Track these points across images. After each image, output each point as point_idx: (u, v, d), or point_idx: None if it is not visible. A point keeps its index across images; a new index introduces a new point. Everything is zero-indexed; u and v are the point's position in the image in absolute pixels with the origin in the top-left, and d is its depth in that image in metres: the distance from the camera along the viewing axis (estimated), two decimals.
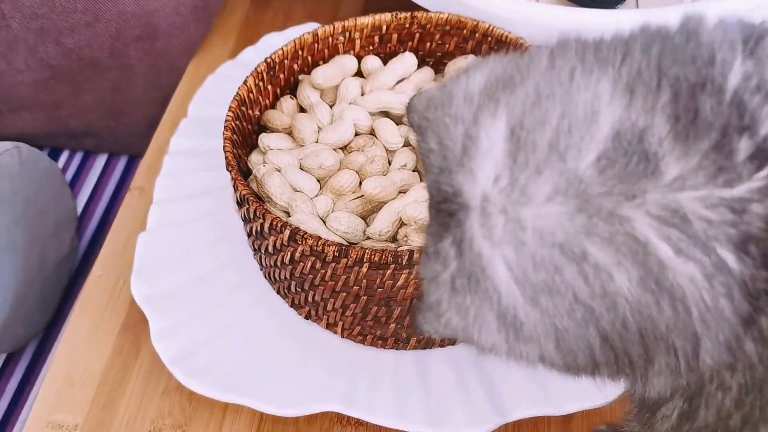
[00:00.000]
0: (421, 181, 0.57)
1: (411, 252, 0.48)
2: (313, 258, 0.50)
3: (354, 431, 0.55)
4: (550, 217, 0.29)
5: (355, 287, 0.51)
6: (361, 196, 0.56)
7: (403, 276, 0.49)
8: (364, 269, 0.49)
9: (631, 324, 0.30)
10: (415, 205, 0.53)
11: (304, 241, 0.49)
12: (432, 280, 0.33)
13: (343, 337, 0.56)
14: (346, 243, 0.50)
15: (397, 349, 0.55)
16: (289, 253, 0.51)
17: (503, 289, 0.31)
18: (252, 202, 0.51)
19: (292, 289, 0.55)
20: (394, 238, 0.54)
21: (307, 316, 0.57)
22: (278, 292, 0.58)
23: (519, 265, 0.30)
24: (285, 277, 0.54)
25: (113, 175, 0.88)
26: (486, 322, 0.32)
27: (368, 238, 0.55)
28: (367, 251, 0.48)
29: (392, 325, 0.53)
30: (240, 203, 0.54)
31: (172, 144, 0.68)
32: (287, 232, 0.49)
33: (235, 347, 0.55)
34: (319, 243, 0.48)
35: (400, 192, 0.56)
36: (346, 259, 0.49)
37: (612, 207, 0.28)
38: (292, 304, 0.57)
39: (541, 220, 0.29)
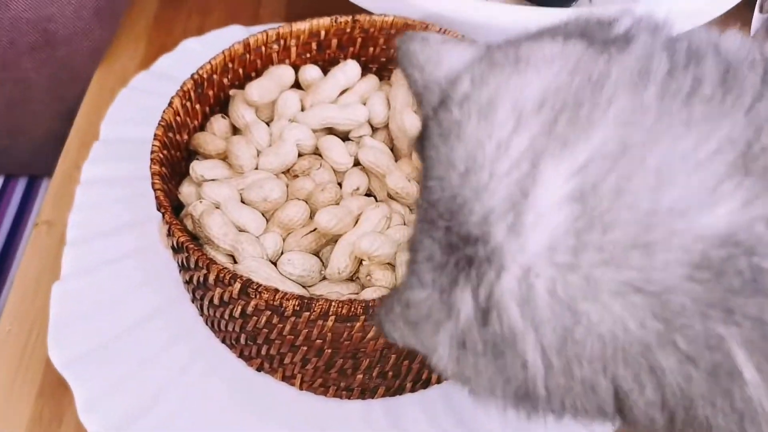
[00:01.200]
0: (377, 201, 0.51)
1: None
2: (269, 312, 0.43)
3: None
4: (613, 314, 0.23)
5: (318, 341, 0.44)
6: (314, 230, 0.49)
7: (374, 328, 0.43)
8: (330, 323, 0.42)
9: (676, 417, 0.25)
10: (371, 238, 0.47)
11: (258, 295, 0.42)
12: (425, 316, 0.27)
13: (301, 389, 0.49)
14: (307, 294, 0.44)
15: (363, 399, 0.49)
16: (239, 307, 0.44)
17: (530, 371, 0.26)
18: (193, 250, 0.44)
19: (242, 341, 0.48)
20: (353, 277, 0.48)
21: (259, 368, 0.50)
22: (223, 341, 0.51)
23: (560, 357, 0.25)
24: (233, 329, 0.48)
25: (12, 201, 0.78)
26: (494, 384, 0.27)
27: (325, 278, 0.48)
28: (333, 303, 0.41)
29: (359, 376, 0.47)
30: (177, 250, 0.46)
31: (85, 172, 0.60)
32: (237, 285, 0.43)
33: (178, 412, 0.48)
34: (277, 297, 0.42)
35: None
36: (308, 313, 0.42)
37: (702, 322, 0.23)
38: (241, 356, 0.50)
39: (599, 316, 0.23)
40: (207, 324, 0.52)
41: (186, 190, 0.52)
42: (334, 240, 0.50)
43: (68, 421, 0.52)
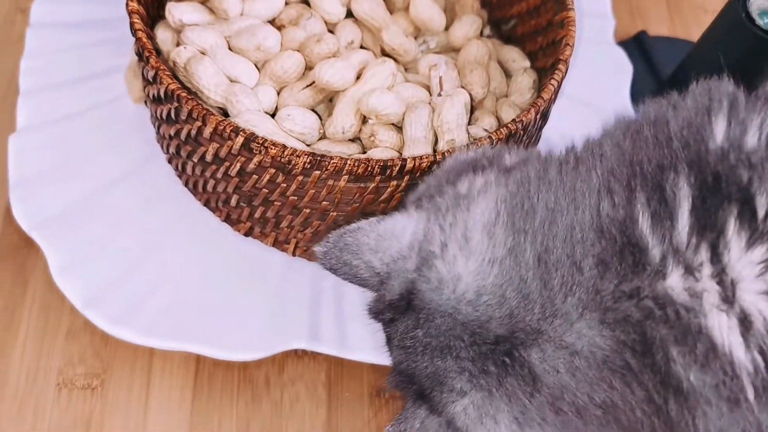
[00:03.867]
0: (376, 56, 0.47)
1: (404, 161, 0.39)
2: (274, 170, 0.40)
3: (312, 362, 0.47)
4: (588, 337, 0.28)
5: (324, 203, 0.41)
6: (311, 85, 0.45)
7: (389, 189, 0.40)
8: (342, 182, 0.39)
9: None
10: (379, 96, 0.43)
11: (264, 151, 0.38)
12: None
13: (293, 255, 0.46)
14: (318, 152, 0.40)
15: None
16: (238, 164, 0.40)
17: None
18: (186, 99, 0.39)
19: (232, 203, 0.44)
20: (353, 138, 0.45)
21: (248, 233, 0.47)
22: (205, 204, 0.47)
23: (577, 391, 0.29)
24: (224, 190, 0.44)
25: None
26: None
27: (324, 137, 0.45)
28: (348, 161, 0.38)
29: None
30: (163, 100, 0.41)
31: (35, 14, 0.52)
32: (240, 139, 0.38)
33: (159, 278, 0.44)
34: (285, 153, 0.38)
35: None
36: (319, 172, 0.39)
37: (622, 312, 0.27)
38: (227, 219, 0.47)
39: (582, 342, 0.28)
40: (187, 185, 0.48)
41: (162, 35, 0.46)
42: (327, 97, 0.46)
43: (33, 286, 0.47)
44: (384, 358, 0.44)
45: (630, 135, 0.30)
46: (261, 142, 0.38)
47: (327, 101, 0.46)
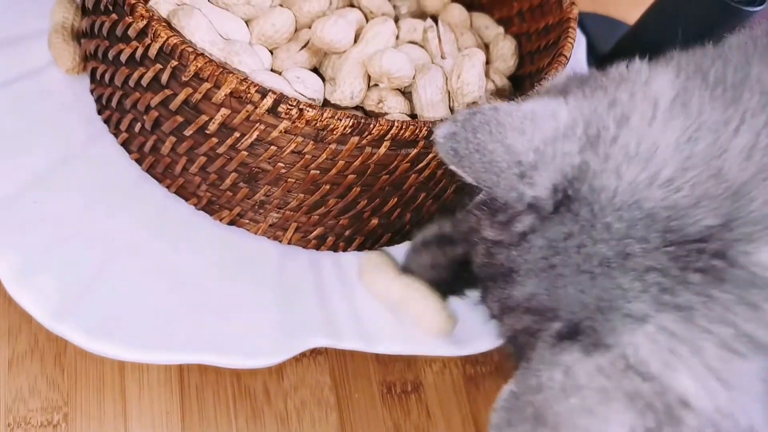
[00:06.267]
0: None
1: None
2: (302, 138, 0.34)
3: (312, 364, 0.41)
4: None
5: (351, 176, 0.36)
6: (305, 46, 0.39)
7: (429, 156, 0.36)
8: (383, 149, 0.34)
9: None
10: (392, 56, 0.39)
11: (297, 115, 0.32)
12: None
13: (289, 243, 0.40)
14: (360, 115, 0.34)
15: (360, 251, 0.42)
16: (255, 134, 0.34)
17: None
18: (195, 56, 0.32)
19: (224, 185, 0.37)
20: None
21: (233, 222, 0.40)
22: (177, 191, 0.40)
23: None
24: (217, 170, 0.37)
25: None
26: None
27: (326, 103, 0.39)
28: (395, 124, 0.33)
29: (374, 221, 0.40)
30: (152, 59, 0.34)
31: None
32: (267, 102, 0.32)
33: (133, 281, 0.36)
34: (324, 116, 0.32)
35: None
36: (359, 138, 0.33)
37: None
38: (206, 206, 0.39)
39: None
40: (151, 170, 0.40)
41: None
42: (321, 61, 0.41)
43: None
44: (407, 348, 0.40)
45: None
46: (294, 104, 0.32)
47: (320, 66, 0.41)
